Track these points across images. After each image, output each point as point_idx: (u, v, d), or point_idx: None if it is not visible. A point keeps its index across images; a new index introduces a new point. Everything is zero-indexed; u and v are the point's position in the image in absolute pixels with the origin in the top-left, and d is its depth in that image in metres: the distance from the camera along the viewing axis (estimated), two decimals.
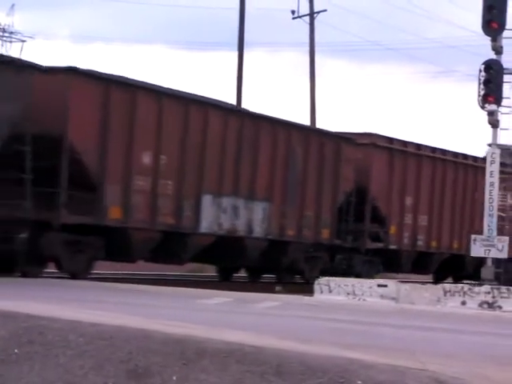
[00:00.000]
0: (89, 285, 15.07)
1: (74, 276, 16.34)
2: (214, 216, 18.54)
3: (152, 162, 17.04)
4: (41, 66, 15.72)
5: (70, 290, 13.78)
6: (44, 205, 15.15)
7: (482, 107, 18.35)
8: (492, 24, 18.20)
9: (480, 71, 18.14)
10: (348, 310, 12.69)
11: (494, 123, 18.85)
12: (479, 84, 18.10)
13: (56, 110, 15.76)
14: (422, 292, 15.59)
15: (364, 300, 14.87)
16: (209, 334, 5.87)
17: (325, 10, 38.76)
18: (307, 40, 38.85)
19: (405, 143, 23.78)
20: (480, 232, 18.89)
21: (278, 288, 19.26)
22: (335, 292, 15.13)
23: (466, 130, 74.64)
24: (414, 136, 60.17)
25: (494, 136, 19.00)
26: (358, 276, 20.36)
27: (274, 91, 72.71)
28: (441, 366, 5.37)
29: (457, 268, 24.87)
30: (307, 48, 38.82)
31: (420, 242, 23.79)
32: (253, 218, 19.45)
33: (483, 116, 19.06)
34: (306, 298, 14.92)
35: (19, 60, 15.28)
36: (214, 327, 6.92)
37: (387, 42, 58.21)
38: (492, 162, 18.66)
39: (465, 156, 25.01)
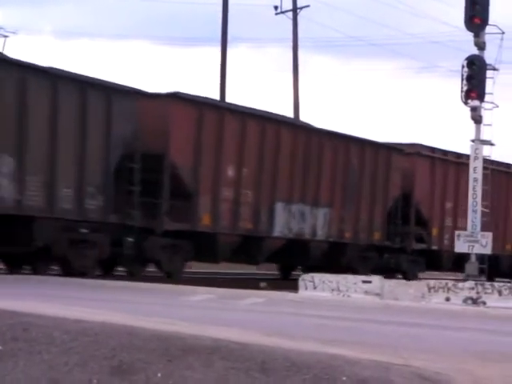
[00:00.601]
0: (78, 282, 15.20)
1: (169, 275, 18.79)
2: (285, 221, 21.07)
3: (235, 175, 19.60)
4: (146, 91, 18.43)
5: (62, 287, 13.89)
6: (148, 213, 17.61)
7: (465, 103, 18.51)
8: (475, 20, 18.32)
9: (463, 67, 18.32)
10: (332, 306, 12.69)
11: (477, 119, 18.99)
12: (462, 80, 18.24)
13: (159, 131, 18.01)
14: (407, 288, 15.65)
15: (348, 296, 14.90)
16: (193, 330, 5.87)
17: (308, 6, 38.93)
18: (290, 36, 38.94)
19: (445, 152, 26.12)
20: None
21: (262, 284, 19.96)
22: (320, 288, 15.22)
23: (450, 126, 74.92)
24: (397, 131, 60.32)
25: (477, 132, 19.17)
26: (404, 273, 24.04)
27: (258, 87, 72.71)
28: (425, 362, 5.38)
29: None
30: (290, 44, 38.94)
31: None
32: (316, 223, 21.98)
33: (467, 112, 19.18)
34: (290, 295, 15.03)
35: (129, 87, 17.99)
36: (198, 324, 6.92)
37: (370, 38, 58.18)
38: (475, 158, 18.80)
39: (497, 163, 25.62)
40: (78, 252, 16.64)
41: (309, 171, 21.48)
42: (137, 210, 17.30)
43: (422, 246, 24.94)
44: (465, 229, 22.26)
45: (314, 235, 21.88)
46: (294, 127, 22.07)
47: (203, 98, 19.82)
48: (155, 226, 18.01)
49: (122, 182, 17.18)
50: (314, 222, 21.83)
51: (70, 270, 16.77)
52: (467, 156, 24.16)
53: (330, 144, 22.12)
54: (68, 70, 17.09)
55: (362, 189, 23.05)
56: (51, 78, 16.05)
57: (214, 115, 19.22)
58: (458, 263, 23.77)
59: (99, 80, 17.35)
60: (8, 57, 16.87)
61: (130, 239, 17.44)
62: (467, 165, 22.05)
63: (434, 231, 25.25)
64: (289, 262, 23.76)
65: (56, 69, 16.70)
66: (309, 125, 23.52)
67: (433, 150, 25.51)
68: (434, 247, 25.29)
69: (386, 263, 24.13)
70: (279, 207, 20.75)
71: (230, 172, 19.54)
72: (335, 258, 22.48)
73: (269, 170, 20.39)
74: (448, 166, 25.60)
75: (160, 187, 17.89)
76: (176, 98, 18.54)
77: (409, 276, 22.90)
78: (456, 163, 25.42)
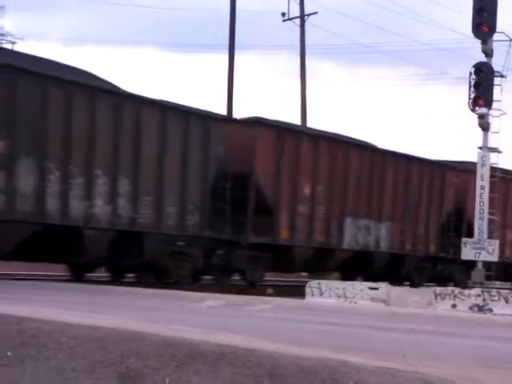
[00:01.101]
0: (84, 288, 15.51)
1: (252, 284, 21.28)
2: (352, 234, 23.15)
3: (310, 192, 21.64)
4: (235, 118, 22.56)
5: (71, 292, 14.13)
6: (236, 228, 19.71)
7: (473, 110, 18.59)
8: (482, 27, 18.43)
9: (470, 74, 18.38)
10: (339, 312, 12.72)
11: (485, 126, 19.13)
12: (469, 87, 18.26)
13: (245, 153, 20.07)
14: (413, 295, 15.76)
15: (355, 303, 14.96)
16: (201, 336, 5.89)
17: (315, 13, 39.12)
18: (298, 42, 39.13)
19: (494, 169, 25.81)
20: None
21: (269, 290, 20.67)
22: (326, 295, 15.32)
23: (457, 133, 74.81)
24: (403, 139, 60.45)
25: (485, 139, 19.30)
26: (455, 282, 24.95)
27: (265, 93, 73.28)
28: (431, 369, 5.40)
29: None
30: (298, 50, 39.08)
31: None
32: (380, 235, 24.08)
33: (474, 119, 19.24)
34: (297, 301, 15.18)
35: (222, 115, 21.96)
36: (206, 329, 6.95)
37: (378, 45, 58.37)
38: (483, 165, 18.85)
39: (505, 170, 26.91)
40: (176, 263, 18.94)
41: (373, 188, 23.64)
42: (227, 225, 19.51)
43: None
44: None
45: (377, 247, 24.00)
46: (361, 148, 23.91)
47: (283, 122, 22.27)
48: (242, 240, 20.17)
49: (216, 199, 19.42)
50: (377, 235, 23.92)
51: (166, 280, 19.17)
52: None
53: (392, 163, 24.36)
54: (173, 102, 19.65)
55: (420, 204, 25.28)
56: (161, 109, 18.50)
57: (292, 138, 21.43)
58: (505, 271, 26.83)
59: (199, 110, 20.07)
60: (125, 90, 18.61)
61: (221, 251, 19.91)
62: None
63: None
64: (353, 272, 24.69)
65: (164, 100, 19.22)
66: (373, 146, 25.20)
67: None
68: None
69: (439, 273, 26.41)
70: (347, 221, 22.83)
71: (306, 190, 21.68)
72: (395, 268, 24.52)
73: (339, 187, 22.55)
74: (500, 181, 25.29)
75: (246, 204, 19.99)
76: (260, 123, 20.89)
77: (460, 285, 22.14)
78: (505, 179, 26.43)
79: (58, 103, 16.22)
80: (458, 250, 24.23)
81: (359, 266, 23.97)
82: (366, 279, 22.88)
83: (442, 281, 24.85)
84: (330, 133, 23.69)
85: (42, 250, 16.92)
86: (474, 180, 21.64)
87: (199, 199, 19.15)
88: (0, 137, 15.39)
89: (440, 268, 26.58)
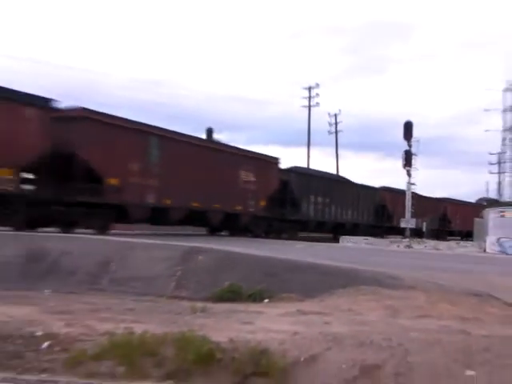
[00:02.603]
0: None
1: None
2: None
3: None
4: (367, 185, 50.46)
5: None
6: None
7: (404, 167, 39.54)
8: (407, 137, 40.04)
9: (403, 154, 38.97)
10: (354, 248, 22.23)
11: (409, 174, 40.40)
12: (402, 159, 38.89)
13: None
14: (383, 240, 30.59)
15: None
16: (296, 258, 13.65)
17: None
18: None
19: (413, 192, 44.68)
20: None
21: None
22: (348, 241, 29.31)
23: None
24: None
25: (409, 179, 41.09)
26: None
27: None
28: (394, 271, 13.16)
29: None
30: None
31: None
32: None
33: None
34: (336, 244, 27.32)
35: (371, 186, 50.86)
36: (300, 255, 14.62)
37: None
38: (408, 190, 41.83)
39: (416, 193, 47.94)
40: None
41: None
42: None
43: None
44: None
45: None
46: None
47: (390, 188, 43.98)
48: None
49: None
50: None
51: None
52: None
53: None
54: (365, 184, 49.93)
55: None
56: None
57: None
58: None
59: (368, 185, 47.02)
60: (348, 179, 41.58)
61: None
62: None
63: None
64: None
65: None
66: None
67: None
68: None
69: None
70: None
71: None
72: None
73: None
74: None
75: None
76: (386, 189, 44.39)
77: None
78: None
79: None
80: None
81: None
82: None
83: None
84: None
85: None
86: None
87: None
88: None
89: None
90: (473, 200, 72.19)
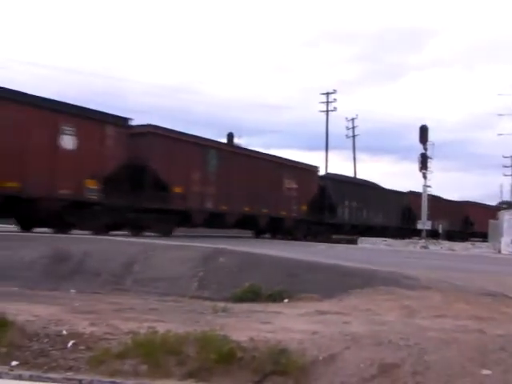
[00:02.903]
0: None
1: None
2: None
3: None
4: (396, 190, 50.93)
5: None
6: None
7: (420, 170, 40.67)
8: (424, 142, 40.45)
9: (419, 157, 40.22)
10: (366, 248, 22.33)
11: (425, 176, 41.04)
12: (419, 162, 40.43)
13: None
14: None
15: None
16: (313, 259, 13.79)
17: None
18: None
19: (428, 194, 45.06)
20: None
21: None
22: (367, 243, 29.08)
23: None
24: None
25: (425, 181, 41.94)
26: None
27: None
28: (408, 271, 13.23)
29: None
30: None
31: None
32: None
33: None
34: (354, 246, 27.49)
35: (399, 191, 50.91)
36: (323, 256, 14.78)
37: None
38: (424, 192, 42.97)
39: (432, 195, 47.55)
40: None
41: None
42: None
43: None
44: None
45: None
46: None
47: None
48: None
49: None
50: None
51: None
52: None
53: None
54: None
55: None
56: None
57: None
58: None
59: (395, 190, 49.59)
60: (378, 184, 45.07)
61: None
62: None
63: None
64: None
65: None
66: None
67: None
68: None
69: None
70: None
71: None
72: None
73: None
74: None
75: None
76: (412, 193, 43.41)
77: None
78: None
79: None
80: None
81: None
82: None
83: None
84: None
85: None
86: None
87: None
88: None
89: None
90: (491, 202, 73.16)
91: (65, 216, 23.64)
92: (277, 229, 37.49)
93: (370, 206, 46.93)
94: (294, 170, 38.02)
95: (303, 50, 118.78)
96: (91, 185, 24.39)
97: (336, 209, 43.13)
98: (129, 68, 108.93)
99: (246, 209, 33.60)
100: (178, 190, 28.83)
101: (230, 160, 32.42)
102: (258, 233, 37.68)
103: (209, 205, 30.94)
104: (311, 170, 40.54)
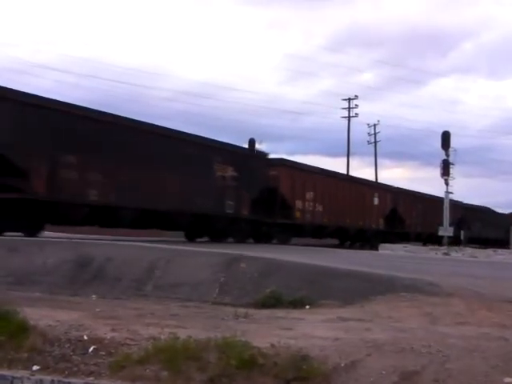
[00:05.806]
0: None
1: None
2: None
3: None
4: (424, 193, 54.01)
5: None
6: None
7: (441, 176, 40.89)
8: (445, 148, 40.59)
9: (441, 163, 40.23)
10: (390, 255, 22.04)
11: (447, 182, 41.24)
12: (440, 168, 40.52)
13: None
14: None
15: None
16: (334, 265, 13.76)
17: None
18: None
19: (450, 200, 45.05)
20: None
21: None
22: (389, 248, 31.00)
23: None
24: None
25: (447, 187, 41.81)
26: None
27: None
28: (429, 278, 13.15)
29: None
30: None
31: None
32: None
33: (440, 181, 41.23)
34: (376, 252, 26.91)
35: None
36: (336, 263, 14.77)
37: None
38: (446, 198, 42.27)
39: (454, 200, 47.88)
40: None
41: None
42: None
43: None
44: None
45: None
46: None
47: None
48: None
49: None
50: None
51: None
52: None
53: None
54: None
55: None
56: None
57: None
58: None
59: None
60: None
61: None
62: None
63: None
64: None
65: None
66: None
67: None
68: None
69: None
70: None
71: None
72: None
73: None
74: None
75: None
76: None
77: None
78: None
79: None
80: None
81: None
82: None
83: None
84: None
85: None
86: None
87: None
88: None
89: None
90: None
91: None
92: (361, 238, 44.55)
93: (423, 215, 51.26)
94: (376, 189, 46.75)
95: (326, 55, 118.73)
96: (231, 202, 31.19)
97: (404, 220, 49.57)
98: (152, 76, 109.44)
99: (347, 220, 41.82)
100: (298, 208, 36.71)
101: (331, 183, 40.15)
102: (342, 242, 44.51)
103: (317, 220, 38.58)
104: (387, 189, 48.22)
